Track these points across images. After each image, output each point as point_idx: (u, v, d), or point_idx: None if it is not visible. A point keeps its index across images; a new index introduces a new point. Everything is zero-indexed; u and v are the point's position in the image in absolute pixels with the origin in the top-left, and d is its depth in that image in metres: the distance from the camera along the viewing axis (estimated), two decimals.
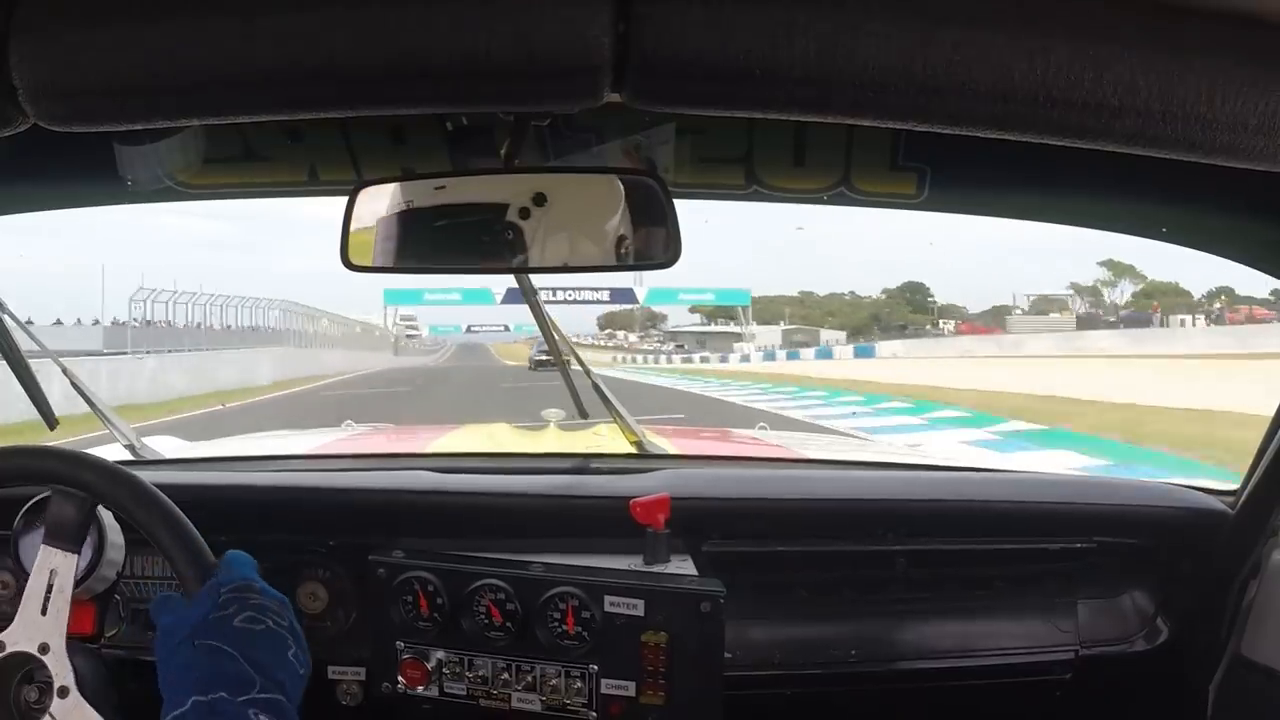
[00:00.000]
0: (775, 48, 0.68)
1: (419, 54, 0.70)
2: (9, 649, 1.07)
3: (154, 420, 12.87)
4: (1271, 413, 1.46)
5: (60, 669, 1.05)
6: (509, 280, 1.80)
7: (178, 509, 1.09)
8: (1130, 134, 0.70)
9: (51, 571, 1.08)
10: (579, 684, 1.35)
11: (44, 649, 1.06)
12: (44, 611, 1.07)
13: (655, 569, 1.40)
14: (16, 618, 1.08)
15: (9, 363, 1.67)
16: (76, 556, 1.08)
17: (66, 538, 1.09)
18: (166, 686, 0.99)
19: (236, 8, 0.70)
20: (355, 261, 1.14)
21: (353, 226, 1.14)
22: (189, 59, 0.71)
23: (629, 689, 1.34)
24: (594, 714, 1.35)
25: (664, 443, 2.03)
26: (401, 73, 0.71)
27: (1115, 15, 0.69)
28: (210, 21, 0.70)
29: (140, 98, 0.73)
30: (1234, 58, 0.68)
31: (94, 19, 0.71)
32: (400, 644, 1.39)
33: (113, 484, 1.10)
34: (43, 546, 1.09)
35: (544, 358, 34.58)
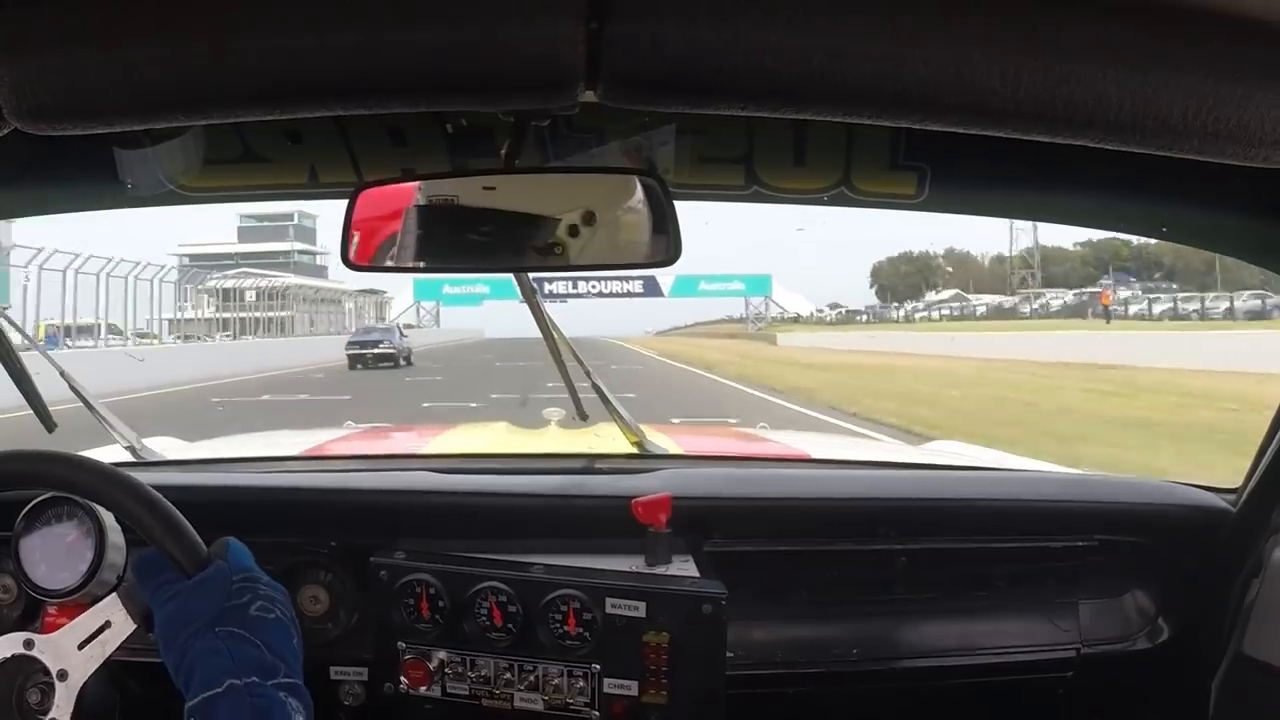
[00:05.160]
0: (751, 43, 0.68)
1: (388, 52, 0.69)
2: (34, 652, 1.07)
3: None
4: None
5: (65, 701, 1.06)
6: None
7: (162, 497, 1.10)
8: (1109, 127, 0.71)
9: (108, 622, 1.09)
10: (581, 683, 1.35)
11: (62, 675, 1.07)
12: (80, 647, 1.08)
13: (657, 570, 1.40)
14: (60, 632, 1.09)
15: (5, 365, 1.67)
16: (135, 628, 1.09)
17: (140, 607, 1.09)
18: (188, 671, 1.01)
19: (207, 10, 0.70)
20: (358, 261, 1.15)
21: (355, 226, 1.14)
22: (165, 62, 0.70)
23: (631, 688, 1.35)
24: (596, 713, 1.35)
25: (665, 442, 2.03)
26: (371, 71, 0.71)
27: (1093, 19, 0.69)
28: (186, 20, 0.70)
29: (119, 98, 0.72)
30: (1214, 60, 0.69)
31: (75, 15, 0.70)
32: (402, 644, 1.39)
33: (93, 477, 1.11)
34: (117, 594, 1.10)
35: (364, 350, 26.85)
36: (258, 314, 44.30)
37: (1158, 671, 1.57)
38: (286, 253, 68.43)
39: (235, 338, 39.01)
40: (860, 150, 1.40)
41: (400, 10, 0.69)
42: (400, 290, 64.80)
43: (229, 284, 44.31)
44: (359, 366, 26.50)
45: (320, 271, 63.85)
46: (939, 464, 2.20)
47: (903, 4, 0.68)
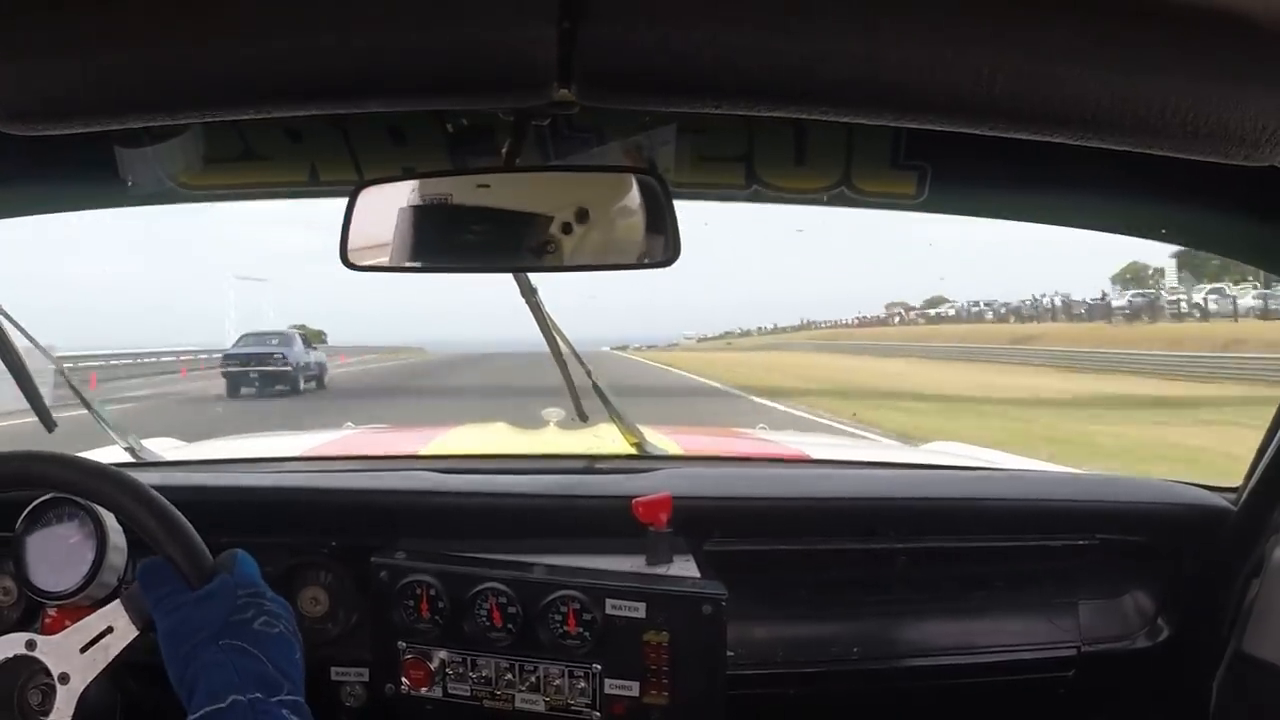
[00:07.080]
0: (723, 43, 0.68)
1: (362, 54, 0.69)
2: (36, 653, 1.07)
3: None
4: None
5: (65, 704, 1.05)
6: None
7: (171, 505, 1.10)
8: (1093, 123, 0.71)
9: (110, 627, 1.08)
10: (582, 684, 1.35)
11: (64, 678, 1.07)
12: (83, 650, 1.08)
13: (657, 570, 1.40)
14: (63, 634, 1.08)
15: (6, 365, 1.67)
16: (137, 634, 1.08)
17: (142, 613, 1.09)
18: (191, 684, 1.00)
19: (185, 14, 0.70)
20: (357, 261, 1.15)
21: (354, 225, 1.14)
22: (145, 65, 0.71)
23: (632, 689, 1.34)
24: (597, 713, 1.35)
25: (665, 442, 2.03)
26: (345, 73, 0.71)
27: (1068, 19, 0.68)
28: (166, 23, 0.70)
29: (101, 99, 0.73)
30: (1192, 59, 0.69)
31: (54, 17, 0.70)
32: (402, 645, 1.39)
33: (104, 483, 1.10)
34: (120, 600, 1.10)
35: (247, 366, 19.03)
36: None
37: (1158, 670, 1.57)
38: None
39: None
40: (860, 150, 1.40)
41: (374, 12, 0.69)
42: None
43: None
44: (243, 390, 18.86)
45: None
46: (938, 464, 2.20)
47: (877, 4, 0.68)
